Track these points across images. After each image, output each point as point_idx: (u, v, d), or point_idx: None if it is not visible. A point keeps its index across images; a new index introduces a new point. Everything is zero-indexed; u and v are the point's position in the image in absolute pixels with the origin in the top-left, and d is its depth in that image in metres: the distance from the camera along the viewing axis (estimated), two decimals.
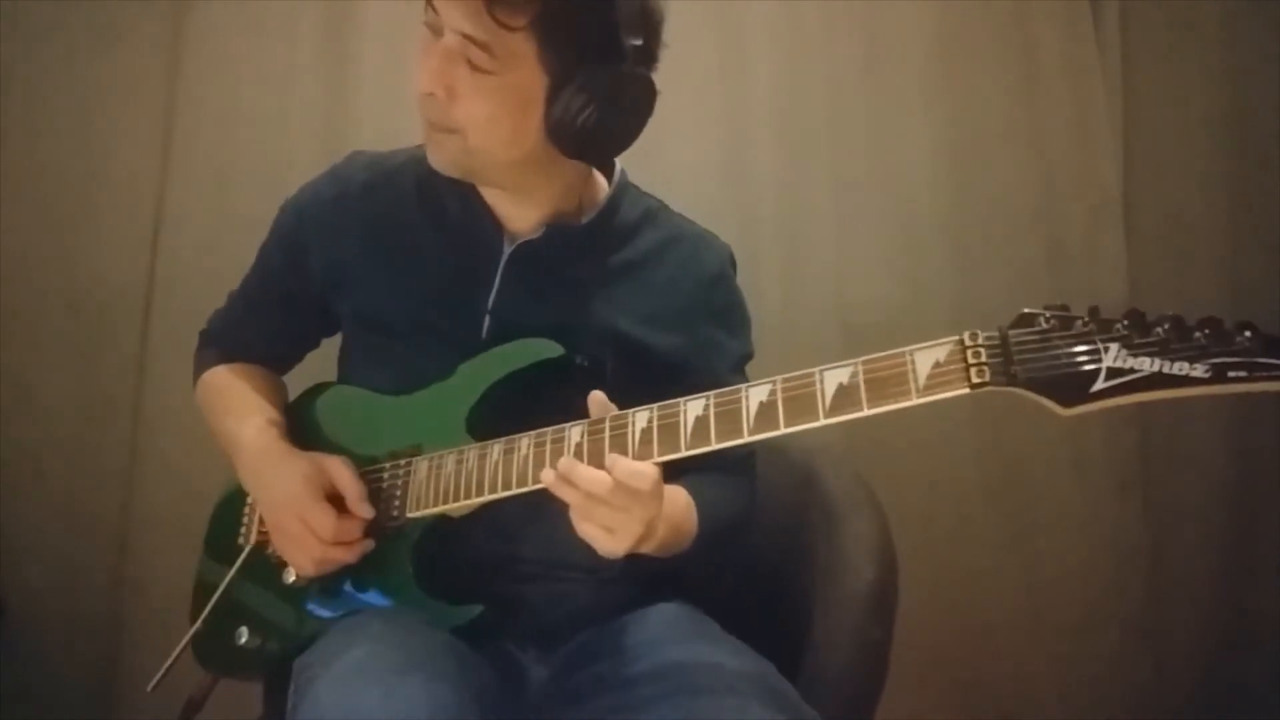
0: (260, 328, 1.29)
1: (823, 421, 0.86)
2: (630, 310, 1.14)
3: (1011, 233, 1.90)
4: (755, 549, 1.21)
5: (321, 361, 1.31)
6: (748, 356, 1.21)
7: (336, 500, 1.10)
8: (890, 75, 1.88)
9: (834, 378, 0.86)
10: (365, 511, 1.09)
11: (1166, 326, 0.74)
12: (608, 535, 0.92)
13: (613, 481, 0.89)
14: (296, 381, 1.31)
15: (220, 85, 1.82)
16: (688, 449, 0.92)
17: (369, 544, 1.10)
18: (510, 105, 1.02)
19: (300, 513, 1.08)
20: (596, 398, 0.96)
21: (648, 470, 0.90)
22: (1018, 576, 1.89)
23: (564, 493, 0.91)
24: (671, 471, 0.97)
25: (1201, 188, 1.95)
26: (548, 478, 0.93)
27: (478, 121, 1.02)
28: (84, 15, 1.81)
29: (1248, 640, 1.93)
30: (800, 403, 0.87)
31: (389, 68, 1.78)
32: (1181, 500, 1.95)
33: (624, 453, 0.93)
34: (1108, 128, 1.91)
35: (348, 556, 1.09)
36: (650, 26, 1.04)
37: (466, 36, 0.98)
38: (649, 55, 1.05)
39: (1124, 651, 1.90)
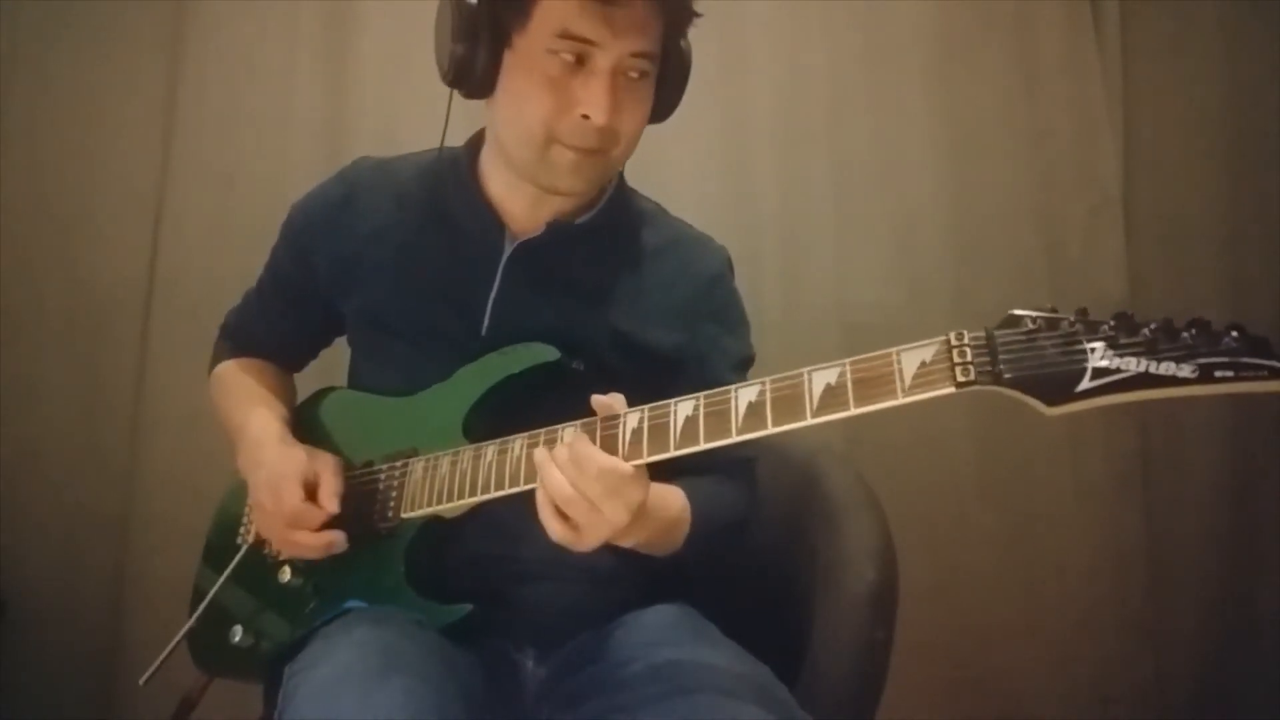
0: (271, 326, 1.30)
1: (810, 421, 0.85)
2: (630, 309, 1.14)
3: (1011, 233, 1.90)
4: (756, 549, 1.20)
5: (333, 364, 1.32)
6: (749, 359, 1.21)
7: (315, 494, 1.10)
8: (890, 75, 1.88)
9: (822, 378, 0.86)
10: (331, 506, 1.09)
11: (1154, 327, 0.73)
12: (575, 534, 0.91)
13: (597, 468, 0.89)
14: (307, 385, 1.32)
15: (220, 85, 1.82)
16: (676, 449, 0.91)
17: (332, 537, 1.09)
18: (650, 102, 1.05)
19: (276, 487, 1.09)
20: (600, 401, 0.95)
21: (614, 466, 0.89)
22: (1017, 576, 1.89)
23: (549, 475, 0.91)
24: (669, 471, 0.97)
25: (1201, 188, 1.95)
26: (541, 455, 0.93)
27: (632, 132, 1.05)
28: (84, 15, 1.81)
29: (1248, 640, 1.93)
30: (788, 403, 0.87)
31: (389, 68, 1.78)
32: (1181, 500, 1.95)
33: (614, 453, 0.92)
34: (1108, 128, 1.92)
35: (307, 542, 1.08)
36: None
37: (638, 54, 1.00)
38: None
39: (1124, 651, 1.90)
